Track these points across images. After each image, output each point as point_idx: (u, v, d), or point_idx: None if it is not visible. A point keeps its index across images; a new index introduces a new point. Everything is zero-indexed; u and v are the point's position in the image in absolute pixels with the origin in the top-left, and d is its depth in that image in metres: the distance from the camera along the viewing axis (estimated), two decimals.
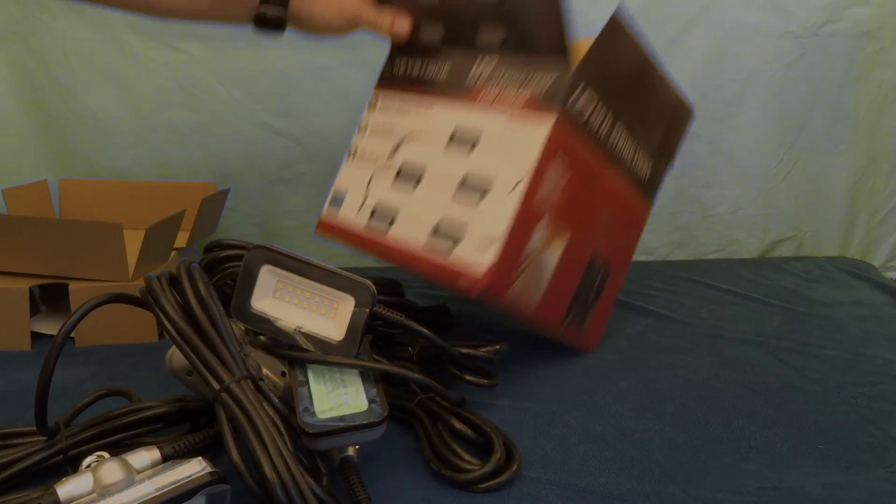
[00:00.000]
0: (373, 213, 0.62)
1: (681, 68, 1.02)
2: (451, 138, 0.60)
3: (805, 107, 1.06)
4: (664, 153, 0.68)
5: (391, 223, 0.60)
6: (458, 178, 0.57)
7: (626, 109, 0.62)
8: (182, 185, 0.95)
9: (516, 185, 0.54)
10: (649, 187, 0.68)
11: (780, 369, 0.68)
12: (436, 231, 0.57)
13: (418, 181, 0.60)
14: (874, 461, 0.52)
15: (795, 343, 0.74)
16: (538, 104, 0.56)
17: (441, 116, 0.62)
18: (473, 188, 0.56)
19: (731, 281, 0.96)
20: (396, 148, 0.64)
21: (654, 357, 0.70)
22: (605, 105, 0.59)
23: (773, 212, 1.11)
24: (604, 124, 0.59)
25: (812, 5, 1.02)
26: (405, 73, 0.67)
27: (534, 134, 0.55)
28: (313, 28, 0.65)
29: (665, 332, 0.78)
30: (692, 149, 1.06)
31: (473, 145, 0.58)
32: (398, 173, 0.62)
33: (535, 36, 0.58)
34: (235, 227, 1.02)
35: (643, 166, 0.65)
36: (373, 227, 0.62)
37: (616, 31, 0.59)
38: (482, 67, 0.61)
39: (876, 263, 1.12)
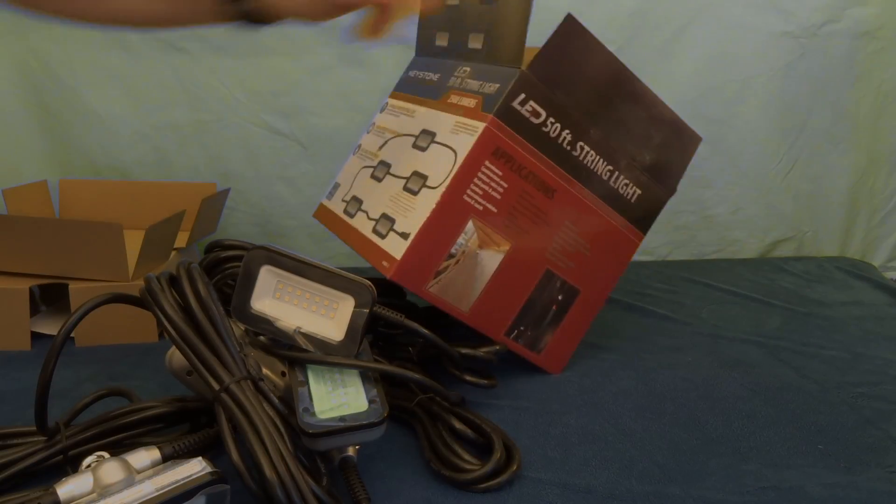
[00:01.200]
0: (348, 203, 0.67)
1: (680, 68, 1.02)
2: (416, 138, 0.63)
3: (805, 107, 1.06)
4: (658, 178, 0.65)
5: (357, 211, 0.65)
6: (409, 173, 0.61)
7: (596, 122, 0.61)
8: (182, 185, 0.95)
9: (442, 182, 0.57)
10: (637, 213, 0.65)
11: (780, 369, 0.68)
12: (381, 218, 0.60)
13: (384, 176, 0.64)
14: (874, 461, 0.52)
15: (795, 343, 0.74)
16: (479, 111, 0.58)
17: (417, 119, 0.65)
18: (416, 183, 0.59)
19: (731, 281, 0.96)
20: (382, 146, 0.67)
21: (654, 357, 0.70)
22: (563, 115, 0.59)
23: (773, 212, 1.11)
24: (563, 136, 0.59)
25: (812, 5, 1.02)
26: (412, 81, 0.71)
27: (468, 139, 0.57)
28: None
29: (665, 332, 0.78)
30: None
31: (428, 145, 0.61)
32: (374, 168, 0.66)
33: (500, 45, 0.60)
34: (236, 226, 1.02)
35: (627, 188, 0.64)
36: (347, 214, 0.66)
37: (573, 36, 0.57)
38: (459, 75, 0.64)
39: (876, 263, 1.12)
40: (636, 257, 1.08)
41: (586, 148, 0.61)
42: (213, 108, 0.98)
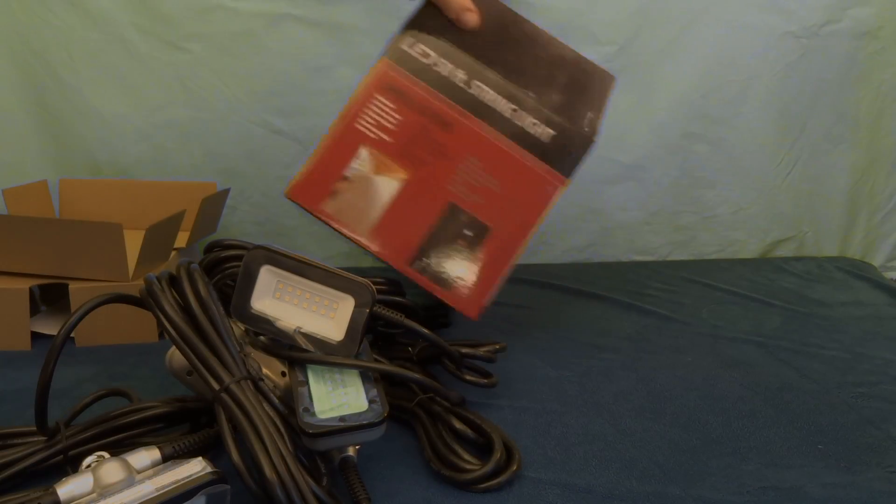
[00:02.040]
0: None
1: (681, 68, 1.02)
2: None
3: (805, 107, 1.06)
4: (571, 118, 0.65)
5: None
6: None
7: (491, 64, 0.65)
8: (182, 185, 0.95)
9: (339, 114, 0.64)
10: (552, 154, 0.65)
11: (780, 369, 0.68)
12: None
13: None
14: (874, 461, 0.52)
15: (795, 343, 0.74)
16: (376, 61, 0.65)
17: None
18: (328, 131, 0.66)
19: (731, 281, 0.96)
20: None
21: (654, 357, 0.70)
22: (454, 58, 0.64)
23: (774, 212, 1.11)
24: (456, 75, 0.64)
25: (812, 5, 1.01)
26: None
27: (364, 80, 0.64)
28: None
29: (665, 332, 0.78)
30: (692, 149, 1.06)
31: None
32: None
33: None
34: (237, 225, 1.02)
35: (536, 127, 0.65)
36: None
37: None
38: None
39: (876, 263, 1.12)
40: (636, 257, 1.10)
41: (483, 87, 0.64)
42: (213, 108, 0.98)
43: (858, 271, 1.02)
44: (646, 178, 1.06)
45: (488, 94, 0.64)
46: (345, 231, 0.62)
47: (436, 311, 0.74)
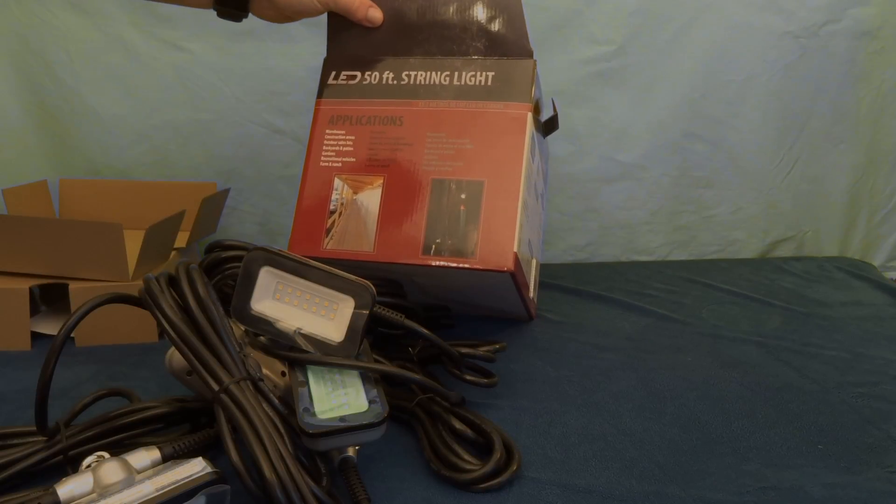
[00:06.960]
0: None
1: (681, 68, 1.02)
2: None
3: (805, 107, 1.06)
4: (502, 51, 0.66)
5: None
6: None
7: (409, 51, 0.68)
8: (182, 185, 0.95)
9: (303, 166, 0.68)
10: (502, 89, 0.66)
11: (780, 369, 0.68)
12: None
13: None
14: (874, 461, 0.52)
15: (795, 343, 0.74)
16: None
17: None
18: None
19: (731, 281, 0.96)
20: None
21: (654, 357, 0.70)
22: (375, 65, 0.69)
23: (774, 212, 1.11)
24: (384, 78, 0.68)
25: (812, 5, 1.01)
26: None
27: (311, 126, 0.69)
28: (286, 10, 0.67)
29: (665, 332, 0.78)
30: (692, 148, 1.06)
31: None
32: None
33: None
34: (237, 225, 1.02)
35: (475, 77, 0.66)
36: None
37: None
38: None
39: (876, 263, 1.12)
40: (636, 257, 1.10)
41: (412, 73, 0.68)
42: (213, 108, 0.98)
43: (858, 271, 1.02)
44: (645, 177, 1.06)
45: (420, 77, 0.67)
46: (352, 258, 0.63)
47: (437, 311, 0.74)
